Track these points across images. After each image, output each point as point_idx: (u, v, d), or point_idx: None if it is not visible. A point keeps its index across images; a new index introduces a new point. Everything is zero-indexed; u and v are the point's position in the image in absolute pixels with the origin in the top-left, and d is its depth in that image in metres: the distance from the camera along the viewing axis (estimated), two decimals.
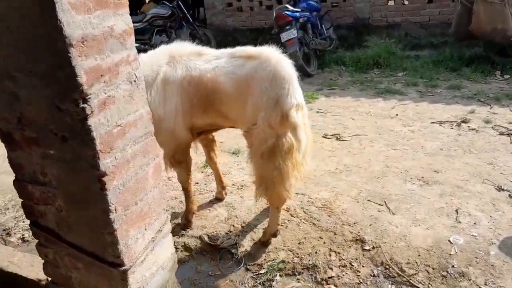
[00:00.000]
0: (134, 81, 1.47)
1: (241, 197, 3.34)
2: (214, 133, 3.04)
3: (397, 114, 4.94)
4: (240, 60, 2.51)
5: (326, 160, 3.91)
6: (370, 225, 2.88)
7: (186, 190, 2.94)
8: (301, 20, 6.63)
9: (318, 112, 5.29)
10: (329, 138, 4.44)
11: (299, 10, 6.73)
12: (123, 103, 1.42)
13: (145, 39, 8.46)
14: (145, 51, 8.41)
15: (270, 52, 2.46)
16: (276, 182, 2.47)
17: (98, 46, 1.23)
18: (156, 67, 2.59)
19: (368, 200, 3.19)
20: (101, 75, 1.26)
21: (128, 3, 1.41)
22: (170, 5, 8.60)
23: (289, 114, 2.31)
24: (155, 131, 2.67)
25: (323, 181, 3.52)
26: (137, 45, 8.28)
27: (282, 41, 6.49)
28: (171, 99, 2.58)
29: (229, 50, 2.64)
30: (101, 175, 1.33)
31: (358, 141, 4.30)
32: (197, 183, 3.62)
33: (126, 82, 1.42)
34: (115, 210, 1.41)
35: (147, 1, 11.74)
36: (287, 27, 6.41)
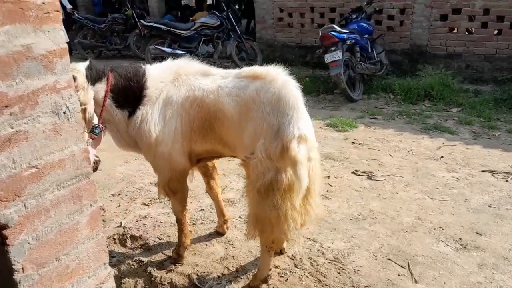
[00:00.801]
0: (64, 112, 1.19)
1: (244, 233, 2.99)
2: (215, 160, 2.74)
3: (442, 156, 4.38)
4: (245, 81, 2.24)
5: (350, 202, 3.48)
6: None
7: (179, 222, 2.66)
8: (348, 42, 6.21)
9: (353, 143, 4.84)
10: (359, 175, 3.99)
11: (348, 31, 6.31)
12: (42, 139, 1.14)
13: (192, 47, 8.44)
14: None
15: (276, 73, 2.17)
16: (274, 224, 2.12)
17: (3, 69, 0.97)
18: (161, 85, 2.38)
19: (389, 259, 2.72)
20: (6, 106, 0.99)
21: (61, 17, 1.15)
22: (220, 16, 8.52)
23: (289, 146, 1.98)
24: (151, 154, 2.46)
25: (341, 228, 3.09)
26: (183, 53, 8.29)
27: (326, 62, 6.14)
28: (171, 121, 2.34)
29: (236, 70, 2.37)
30: (1, 228, 1.06)
31: (391, 183, 3.81)
32: (203, 209, 3.33)
33: (50, 114, 1.15)
34: (22, 269, 1.13)
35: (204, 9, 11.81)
36: (332, 48, 6.04)
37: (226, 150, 2.40)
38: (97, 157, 2.29)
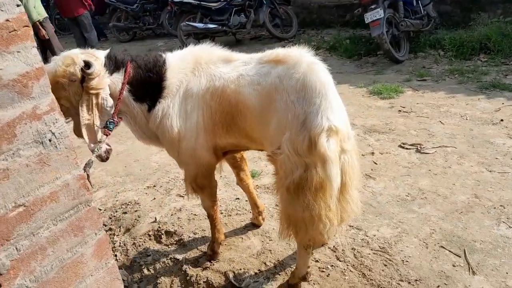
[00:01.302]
0: (50, 140, 1.06)
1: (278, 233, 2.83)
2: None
3: (502, 120, 3.90)
4: (267, 67, 2.01)
5: (397, 181, 3.19)
6: (438, 287, 2.18)
7: (211, 218, 2.53)
8: None
9: (400, 111, 4.45)
10: (407, 148, 3.65)
11: None
12: (26, 174, 1.02)
13: (223, 20, 8.15)
14: (224, 32, 8.12)
15: (300, 54, 1.91)
16: (308, 224, 1.93)
17: None
18: (181, 75, 2.20)
19: (441, 247, 2.45)
20: None
21: (31, 32, 0.98)
22: None
23: (318, 141, 1.74)
24: (174, 150, 2.32)
25: (387, 212, 2.83)
26: (215, 26, 8.03)
27: (366, 22, 5.66)
28: (192, 115, 2.17)
29: (259, 55, 2.14)
30: None
31: (443, 156, 3.45)
32: (238, 198, 3.19)
33: (33, 144, 1.02)
34: None
35: None
36: (372, 6, 5.53)
37: (252, 145, 2.21)
38: (108, 145, 2.19)
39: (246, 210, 3.04)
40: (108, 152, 2.18)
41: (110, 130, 2.09)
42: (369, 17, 5.57)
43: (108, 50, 2.21)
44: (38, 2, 6.45)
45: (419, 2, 6.24)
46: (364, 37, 7.24)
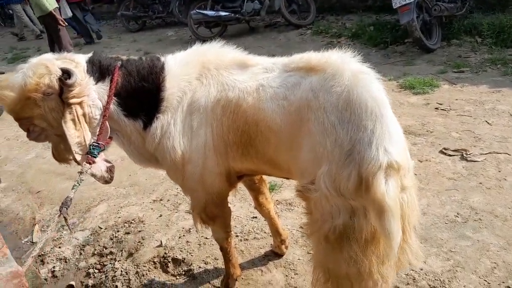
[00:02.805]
0: None
1: (309, 253, 2.39)
2: None
3: None
4: (295, 76, 1.56)
5: (442, 196, 2.71)
6: None
7: (224, 251, 2.12)
8: None
9: (437, 108, 3.93)
10: (450, 155, 3.16)
11: None
12: None
13: (236, 6, 7.65)
14: (237, 20, 7.63)
15: (342, 61, 1.47)
16: (354, 282, 1.49)
17: None
18: (184, 84, 1.76)
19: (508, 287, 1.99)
20: None
21: None
22: None
23: (373, 182, 1.30)
24: (178, 175, 1.79)
25: (435, 237, 2.37)
26: (228, 14, 7.53)
27: (394, 7, 5.10)
28: (199, 132, 1.74)
29: (284, 60, 1.68)
30: None
31: (495, 165, 2.95)
32: (255, 217, 2.76)
33: None
34: None
35: None
36: None
37: (276, 172, 1.77)
38: (108, 162, 1.79)
39: (265, 233, 2.61)
40: (110, 170, 1.78)
41: (95, 157, 1.66)
42: (397, 1, 5.01)
43: (90, 54, 1.78)
44: None
45: None
46: (390, 23, 6.65)
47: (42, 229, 3.09)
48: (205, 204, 1.89)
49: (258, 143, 1.65)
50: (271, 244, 2.47)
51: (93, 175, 1.68)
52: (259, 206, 2.26)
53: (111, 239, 2.80)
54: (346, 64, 1.45)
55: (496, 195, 2.65)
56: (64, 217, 1.55)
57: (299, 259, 2.36)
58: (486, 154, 3.09)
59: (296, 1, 7.80)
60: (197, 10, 7.55)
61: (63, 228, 2.99)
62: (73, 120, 1.67)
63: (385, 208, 1.29)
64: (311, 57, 1.56)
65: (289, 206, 2.83)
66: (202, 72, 1.77)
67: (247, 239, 2.58)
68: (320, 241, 1.49)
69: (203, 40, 7.41)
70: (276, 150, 1.62)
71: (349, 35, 6.65)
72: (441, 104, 3.99)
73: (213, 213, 1.93)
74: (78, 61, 1.69)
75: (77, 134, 1.68)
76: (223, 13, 7.49)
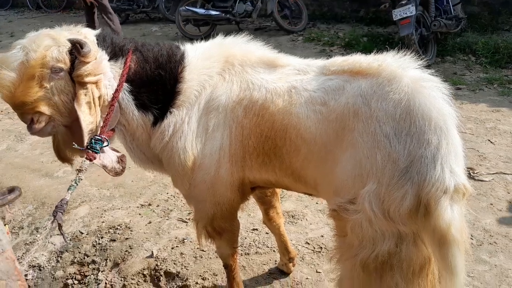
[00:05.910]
0: None
1: (317, 272, 2.19)
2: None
3: None
4: (337, 80, 1.38)
5: None
6: None
7: (228, 269, 1.89)
8: None
9: None
10: None
11: None
12: None
13: (227, 6, 7.42)
14: (228, 20, 7.41)
15: (399, 66, 1.32)
16: None
17: None
18: (204, 77, 1.55)
19: None
20: None
21: None
22: None
23: (436, 207, 1.14)
24: (184, 182, 1.42)
25: None
26: (218, 13, 7.30)
27: (395, 19, 5.04)
28: (215, 135, 1.53)
29: (322, 61, 1.51)
30: None
31: (503, 186, 2.86)
32: (256, 229, 2.54)
33: None
34: None
35: None
36: (403, 2, 4.89)
37: (298, 186, 1.56)
38: (116, 151, 1.57)
39: (268, 247, 2.39)
40: (122, 161, 1.57)
41: (97, 152, 1.42)
42: (398, 13, 4.94)
43: (99, 30, 1.55)
44: None
45: (450, 1, 5.64)
46: (382, 35, 6.60)
47: (13, 231, 2.76)
48: (213, 216, 1.66)
49: (285, 153, 1.45)
50: (275, 261, 2.26)
51: (103, 166, 1.45)
52: (269, 221, 2.05)
53: (94, 246, 2.51)
54: (405, 70, 1.28)
55: (509, 217, 2.54)
56: (59, 224, 1.29)
57: (307, 278, 2.15)
58: (493, 174, 2.99)
59: (288, 6, 7.67)
60: (187, 7, 7.28)
61: (38, 232, 2.67)
62: (89, 103, 1.43)
63: (449, 239, 1.13)
64: (360, 59, 1.39)
65: (292, 219, 2.62)
66: (225, 67, 1.57)
67: (248, 254, 2.35)
68: (355, 268, 1.29)
69: (190, 38, 7.11)
70: (304, 162, 1.42)
71: (342, 45, 6.55)
72: None
73: (220, 227, 1.71)
74: (86, 34, 1.45)
75: (91, 120, 1.44)
76: (213, 12, 7.26)
